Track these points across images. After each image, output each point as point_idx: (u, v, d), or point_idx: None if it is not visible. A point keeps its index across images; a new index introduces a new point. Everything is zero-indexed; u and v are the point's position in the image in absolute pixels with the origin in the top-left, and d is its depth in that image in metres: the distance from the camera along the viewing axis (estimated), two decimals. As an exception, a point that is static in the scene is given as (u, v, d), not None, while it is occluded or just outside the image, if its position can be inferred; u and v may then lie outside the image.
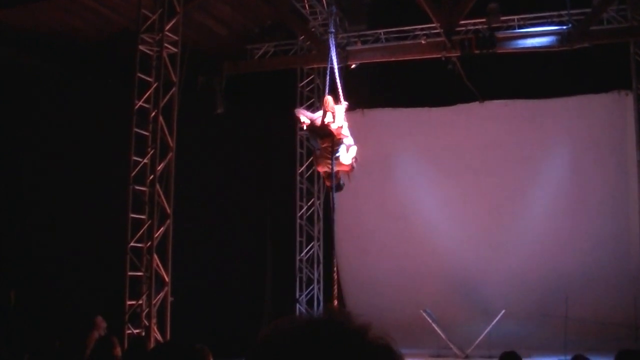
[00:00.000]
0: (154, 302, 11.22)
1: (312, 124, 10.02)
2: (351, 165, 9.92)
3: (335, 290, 10.13)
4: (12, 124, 12.44)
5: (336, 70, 10.25)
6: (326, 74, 10.41)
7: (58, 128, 12.73)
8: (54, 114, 12.73)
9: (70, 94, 13.12)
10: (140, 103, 11.54)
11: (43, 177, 12.53)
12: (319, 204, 17.34)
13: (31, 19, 12.75)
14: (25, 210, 12.49)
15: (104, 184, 12.69)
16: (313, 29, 15.23)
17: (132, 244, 11.28)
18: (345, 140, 9.90)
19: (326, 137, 9.87)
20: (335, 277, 10.18)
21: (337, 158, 9.75)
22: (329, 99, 9.87)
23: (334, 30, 10.90)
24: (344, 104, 9.96)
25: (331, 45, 10.49)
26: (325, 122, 9.78)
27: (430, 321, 13.99)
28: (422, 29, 14.38)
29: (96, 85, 13.55)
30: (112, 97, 12.97)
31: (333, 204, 10.48)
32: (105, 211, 12.42)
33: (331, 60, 10.31)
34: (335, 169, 9.83)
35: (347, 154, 9.84)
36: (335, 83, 10.19)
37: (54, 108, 12.79)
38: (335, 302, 10.02)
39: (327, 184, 10.24)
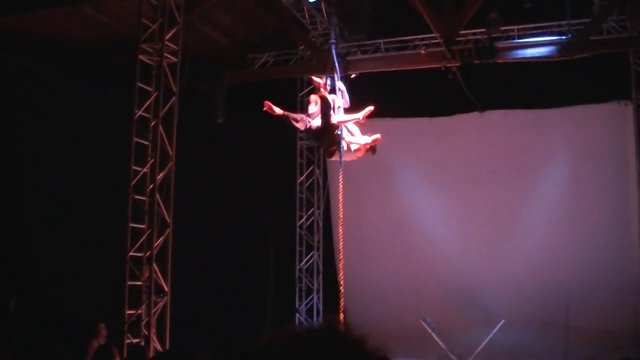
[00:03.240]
0: (153, 311, 11.21)
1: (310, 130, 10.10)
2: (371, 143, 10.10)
3: (342, 303, 10.13)
4: (11, 132, 12.43)
5: (337, 80, 10.33)
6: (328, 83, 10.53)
7: (57, 137, 12.72)
8: (54, 122, 12.72)
9: (70, 102, 13.12)
10: (140, 112, 11.55)
11: (43, 184, 12.52)
12: (319, 213, 17.34)
13: (32, 25, 12.76)
14: (25, 218, 12.48)
15: (103, 193, 12.68)
16: (313, 39, 15.24)
17: (131, 253, 11.28)
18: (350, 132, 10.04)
19: (328, 142, 10.02)
20: (342, 289, 10.18)
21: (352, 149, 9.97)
22: (311, 97, 10.05)
23: (334, 41, 10.95)
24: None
25: (334, 56, 10.58)
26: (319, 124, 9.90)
27: (430, 330, 13.97)
28: (422, 39, 14.39)
29: (96, 94, 13.56)
30: (112, 106, 12.97)
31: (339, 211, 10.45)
32: (105, 220, 12.40)
33: (335, 70, 10.42)
34: (358, 154, 10.08)
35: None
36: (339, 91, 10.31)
37: (54, 116, 12.78)
38: (342, 315, 10.00)
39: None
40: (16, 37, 12.78)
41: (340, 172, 10.19)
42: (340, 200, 10.23)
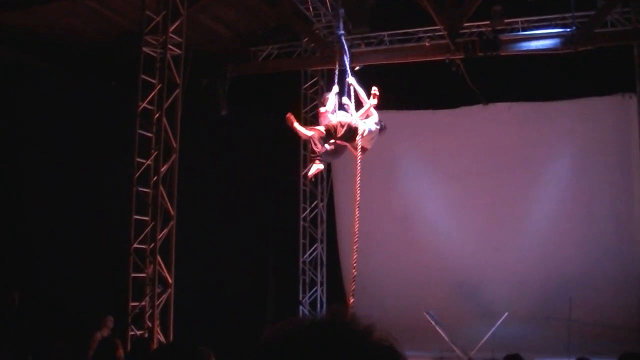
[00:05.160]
0: (157, 303, 11.22)
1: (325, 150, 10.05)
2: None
3: (353, 287, 10.03)
4: (15, 126, 12.45)
5: (348, 70, 10.31)
6: (331, 75, 10.51)
7: (61, 130, 12.73)
8: (58, 116, 12.73)
9: (74, 95, 13.12)
10: (144, 105, 11.55)
11: (46, 178, 12.53)
12: (322, 206, 17.34)
13: (34, 20, 12.75)
14: (29, 211, 12.49)
15: (107, 185, 12.70)
16: (317, 31, 15.21)
17: (135, 245, 11.29)
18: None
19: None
20: (354, 272, 10.04)
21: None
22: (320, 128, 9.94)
23: (343, 32, 10.92)
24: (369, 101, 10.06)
25: (344, 46, 10.56)
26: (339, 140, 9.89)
27: (433, 323, 13.97)
28: (425, 32, 14.36)
29: (100, 87, 13.56)
30: (116, 98, 12.98)
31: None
32: (109, 212, 12.42)
33: (343, 61, 10.39)
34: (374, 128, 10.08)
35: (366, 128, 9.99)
36: (345, 83, 10.28)
37: (58, 109, 12.79)
38: (351, 300, 9.93)
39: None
40: (18, 32, 12.78)
41: (359, 154, 10.04)
42: (358, 183, 10.13)
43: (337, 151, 10.20)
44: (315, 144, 9.79)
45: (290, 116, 10.03)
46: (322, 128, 9.78)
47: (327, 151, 9.94)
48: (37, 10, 12.46)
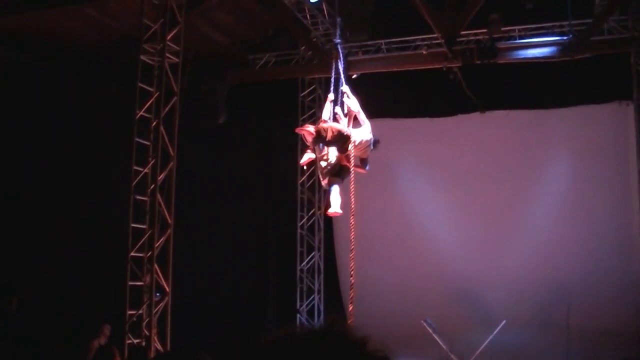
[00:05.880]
0: (154, 311, 11.20)
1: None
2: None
3: (352, 294, 10.01)
4: (12, 131, 12.44)
5: (343, 78, 10.31)
6: (329, 83, 10.51)
7: (58, 137, 12.74)
8: (55, 123, 12.74)
9: (72, 102, 13.13)
10: (142, 113, 11.53)
11: (44, 184, 12.54)
12: (320, 214, 17.32)
13: (34, 25, 12.77)
14: (26, 218, 12.48)
15: (104, 193, 12.68)
16: (314, 39, 15.24)
17: (132, 253, 11.26)
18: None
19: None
20: (352, 280, 10.04)
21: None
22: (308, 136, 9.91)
23: (340, 40, 10.95)
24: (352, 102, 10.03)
25: (340, 54, 10.57)
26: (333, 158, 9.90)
27: (431, 331, 13.95)
28: (423, 39, 14.39)
29: (99, 89, 13.55)
30: (114, 102, 12.97)
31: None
32: (106, 220, 12.40)
33: (337, 69, 10.39)
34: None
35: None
36: (340, 92, 10.28)
37: (55, 116, 12.79)
38: (351, 307, 9.91)
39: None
40: (18, 36, 12.79)
41: (352, 161, 10.02)
42: (352, 190, 10.12)
43: (339, 174, 10.17)
44: (306, 139, 9.87)
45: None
46: (311, 129, 9.79)
47: (328, 170, 9.96)
48: (38, 15, 12.48)
